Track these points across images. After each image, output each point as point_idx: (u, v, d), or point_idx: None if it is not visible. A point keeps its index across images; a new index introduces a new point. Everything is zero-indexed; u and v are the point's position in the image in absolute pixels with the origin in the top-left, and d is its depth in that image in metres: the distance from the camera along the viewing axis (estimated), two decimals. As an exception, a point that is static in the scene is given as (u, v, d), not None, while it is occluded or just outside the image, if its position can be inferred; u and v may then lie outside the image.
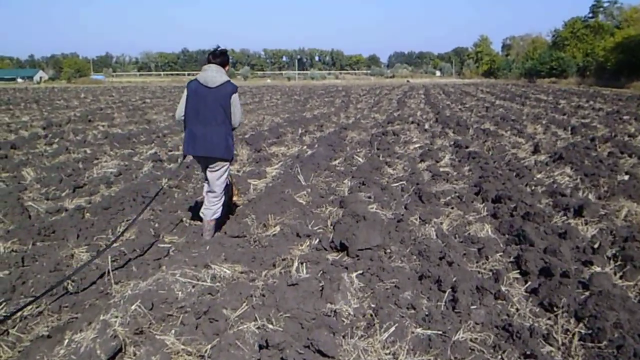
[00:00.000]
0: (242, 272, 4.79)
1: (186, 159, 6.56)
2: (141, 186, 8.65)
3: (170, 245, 5.90)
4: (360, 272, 4.83)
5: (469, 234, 6.24)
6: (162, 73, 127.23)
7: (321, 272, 4.74)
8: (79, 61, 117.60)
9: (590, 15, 76.40)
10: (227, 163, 5.97)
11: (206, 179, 6.01)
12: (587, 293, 4.36)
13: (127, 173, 10.10)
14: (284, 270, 4.91)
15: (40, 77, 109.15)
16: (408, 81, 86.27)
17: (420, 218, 6.79)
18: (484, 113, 22.16)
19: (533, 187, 8.66)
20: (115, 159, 11.36)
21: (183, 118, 5.74)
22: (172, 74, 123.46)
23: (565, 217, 6.87)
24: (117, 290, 4.63)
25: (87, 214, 7.10)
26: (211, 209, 6.03)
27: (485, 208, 7.41)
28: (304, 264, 4.87)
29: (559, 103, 26.94)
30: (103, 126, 18.17)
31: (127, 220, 6.83)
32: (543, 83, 60.51)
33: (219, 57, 5.80)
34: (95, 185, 8.97)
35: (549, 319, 4.18)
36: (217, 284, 4.51)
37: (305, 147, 13.40)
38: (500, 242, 5.98)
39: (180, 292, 4.18)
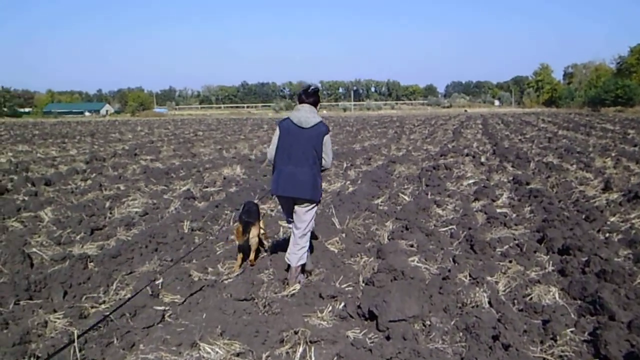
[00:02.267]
0: (238, 354, 3.81)
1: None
2: (160, 229, 7.88)
3: (167, 308, 4.99)
4: (388, 358, 3.76)
5: (531, 298, 5.07)
6: (222, 106, 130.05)
7: (336, 357, 3.71)
8: (143, 95, 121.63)
9: (659, 40, 72.93)
10: (315, 203, 5.72)
11: (289, 220, 5.87)
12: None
13: (154, 212, 9.39)
14: (291, 350, 3.91)
15: (107, 111, 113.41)
16: (466, 111, 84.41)
17: (470, 275, 5.67)
18: (546, 144, 20.63)
19: (607, 235, 7.37)
20: (145, 197, 10.70)
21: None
22: (231, 107, 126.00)
23: (651, 277, 5.58)
24: (84, 373, 3.74)
25: (91, 263, 6.34)
26: (297, 253, 5.68)
27: (551, 262, 6.20)
28: (314, 346, 3.85)
29: (628, 133, 24.95)
30: (145, 160, 17.78)
31: (130, 273, 6.02)
32: (608, 112, 57.57)
33: (312, 96, 5.70)
34: (114, 227, 8.28)
35: None
36: (202, 372, 3.55)
37: (348, 182, 12.44)
38: (571, 310, 4.78)
39: (148, 387, 3.25)
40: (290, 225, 5.91)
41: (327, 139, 5.60)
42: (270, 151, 5.70)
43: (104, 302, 5.21)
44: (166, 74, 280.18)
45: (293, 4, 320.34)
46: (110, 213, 9.32)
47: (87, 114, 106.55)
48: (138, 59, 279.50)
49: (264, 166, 15.56)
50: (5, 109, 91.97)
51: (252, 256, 6.38)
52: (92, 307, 4.99)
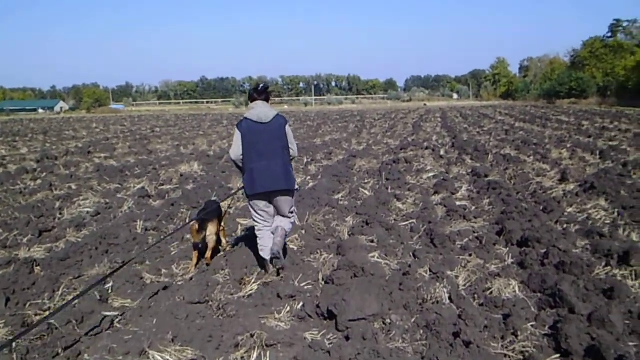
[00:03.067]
0: (189, 361, 3.62)
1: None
2: (112, 230, 7.58)
3: (117, 313, 4.75)
4: (347, 359, 3.62)
5: (491, 292, 5.02)
6: (181, 101, 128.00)
7: (293, 361, 3.56)
8: (98, 91, 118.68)
9: (609, 34, 74.87)
10: (293, 192, 5.90)
11: (261, 218, 5.84)
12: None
13: (106, 212, 9.06)
14: (246, 355, 3.74)
15: (61, 108, 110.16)
16: (425, 104, 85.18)
17: (430, 270, 5.59)
18: (504, 136, 20.88)
19: (565, 226, 7.41)
20: (97, 196, 10.33)
21: (241, 157, 5.66)
22: (190, 102, 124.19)
23: (608, 268, 5.60)
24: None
25: (38, 267, 6.02)
26: (285, 221, 5.92)
27: (510, 254, 6.18)
28: (270, 350, 3.69)
29: (582, 124, 25.50)
30: (99, 158, 17.26)
31: (78, 277, 5.75)
32: (563, 104, 58.92)
33: (263, 93, 5.85)
34: (64, 228, 7.93)
35: None
36: (150, 383, 3.35)
37: (308, 178, 12.30)
38: (531, 304, 4.75)
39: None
40: (262, 226, 5.86)
41: (288, 129, 5.78)
42: (234, 152, 5.69)
43: (49, 308, 4.93)
44: (123, 70, 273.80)
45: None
46: (60, 214, 8.95)
47: (40, 111, 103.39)
48: (93, 54, 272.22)
49: (223, 162, 15.29)
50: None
51: (208, 254, 6.18)
52: (35, 315, 4.72)
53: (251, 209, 5.88)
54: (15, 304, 5.01)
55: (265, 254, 5.81)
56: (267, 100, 5.86)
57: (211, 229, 6.15)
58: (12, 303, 5.01)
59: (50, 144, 23.58)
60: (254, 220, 5.93)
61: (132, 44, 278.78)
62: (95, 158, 17.35)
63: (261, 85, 5.91)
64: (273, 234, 5.83)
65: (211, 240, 6.17)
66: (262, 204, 5.77)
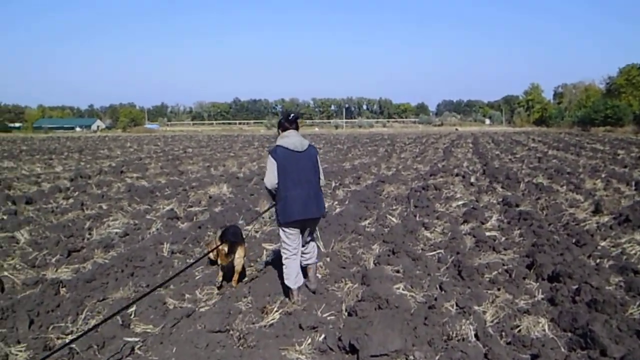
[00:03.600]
0: (207, 394, 3.57)
1: None
2: (139, 252, 7.63)
3: (138, 339, 4.73)
4: (367, 398, 3.53)
5: (520, 330, 4.86)
6: (214, 122, 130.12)
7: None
8: (134, 111, 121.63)
9: (646, 62, 73.64)
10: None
11: (291, 247, 5.86)
12: None
13: (134, 233, 9.14)
14: (265, 390, 3.67)
15: (98, 126, 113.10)
16: (457, 129, 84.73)
17: (457, 304, 5.45)
18: (536, 164, 20.50)
19: (598, 260, 7.18)
20: (127, 217, 10.45)
21: (277, 186, 5.69)
22: (223, 123, 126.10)
23: (643, 307, 5.39)
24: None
25: (63, 288, 6.07)
26: (312, 252, 6.17)
27: (540, 290, 6.00)
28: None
29: (618, 154, 24.88)
30: (131, 178, 17.51)
31: (102, 300, 5.77)
32: (598, 132, 57.81)
33: (294, 122, 5.98)
34: (92, 249, 8.02)
35: None
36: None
37: (336, 202, 12.23)
38: (561, 344, 4.58)
39: None
40: (290, 254, 5.84)
41: (318, 158, 5.99)
42: (270, 180, 5.71)
43: (71, 332, 4.94)
44: (158, 90, 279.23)
45: (285, 21, 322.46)
46: (89, 234, 9.06)
47: (77, 129, 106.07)
48: (130, 74, 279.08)
49: (252, 185, 15.36)
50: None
51: (235, 277, 6.18)
52: (57, 338, 4.72)
53: (283, 236, 5.85)
54: (39, 326, 5.03)
55: (291, 283, 5.79)
56: (297, 129, 5.96)
57: (240, 252, 6.16)
58: (36, 325, 5.04)
59: (85, 163, 24.07)
60: (284, 248, 5.88)
61: (168, 65, 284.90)
62: (127, 178, 17.60)
63: (292, 115, 5.99)
64: (303, 266, 6.02)
65: (239, 263, 6.16)
66: (294, 231, 5.79)
